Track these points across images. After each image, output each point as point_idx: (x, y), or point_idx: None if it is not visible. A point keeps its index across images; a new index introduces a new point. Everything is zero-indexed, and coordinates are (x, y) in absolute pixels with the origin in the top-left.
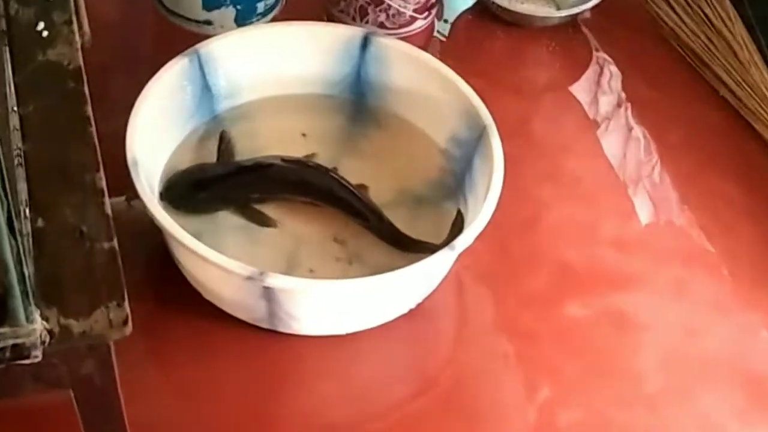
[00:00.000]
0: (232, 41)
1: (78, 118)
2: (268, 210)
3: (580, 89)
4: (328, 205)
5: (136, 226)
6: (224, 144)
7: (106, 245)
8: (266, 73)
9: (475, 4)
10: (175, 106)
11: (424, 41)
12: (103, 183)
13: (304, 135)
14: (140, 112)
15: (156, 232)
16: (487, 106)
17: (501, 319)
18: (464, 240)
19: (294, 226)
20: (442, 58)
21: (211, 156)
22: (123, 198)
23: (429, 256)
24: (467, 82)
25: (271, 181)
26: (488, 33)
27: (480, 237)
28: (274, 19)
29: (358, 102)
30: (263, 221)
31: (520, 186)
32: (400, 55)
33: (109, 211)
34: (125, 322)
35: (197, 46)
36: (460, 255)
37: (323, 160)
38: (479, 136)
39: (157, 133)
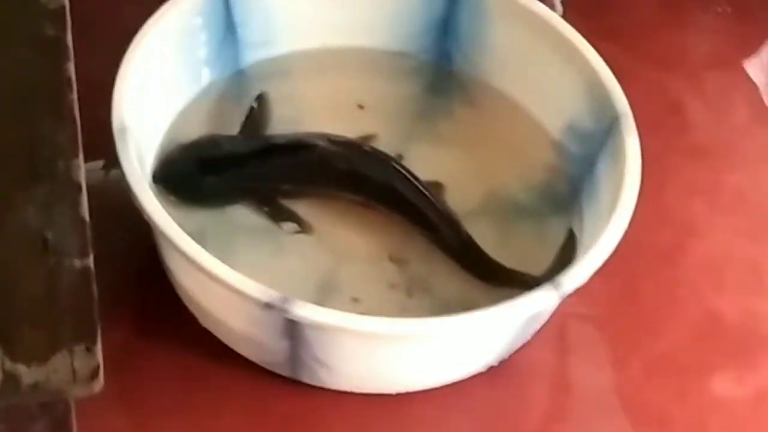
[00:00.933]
0: None
1: (54, 80)
2: (302, 209)
3: (757, 67)
4: (385, 209)
5: (113, 210)
6: (257, 111)
7: (77, 263)
8: (316, 13)
9: None
10: (184, 51)
11: None
12: (82, 174)
13: (360, 107)
14: (136, 58)
15: (142, 223)
16: (623, 86)
17: (619, 390)
18: (576, 275)
19: (335, 234)
20: (565, 14)
21: (230, 125)
22: (100, 164)
23: (523, 293)
24: (596, 48)
25: (309, 168)
26: None
27: (599, 272)
28: None
29: (441, 66)
30: (293, 225)
31: (661, 203)
32: (507, 6)
33: (86, 214)
34: (94, 375)
35: None
36: (568, 295)
37: (385, 143)
38: (608, 128)
39: (157, 89)
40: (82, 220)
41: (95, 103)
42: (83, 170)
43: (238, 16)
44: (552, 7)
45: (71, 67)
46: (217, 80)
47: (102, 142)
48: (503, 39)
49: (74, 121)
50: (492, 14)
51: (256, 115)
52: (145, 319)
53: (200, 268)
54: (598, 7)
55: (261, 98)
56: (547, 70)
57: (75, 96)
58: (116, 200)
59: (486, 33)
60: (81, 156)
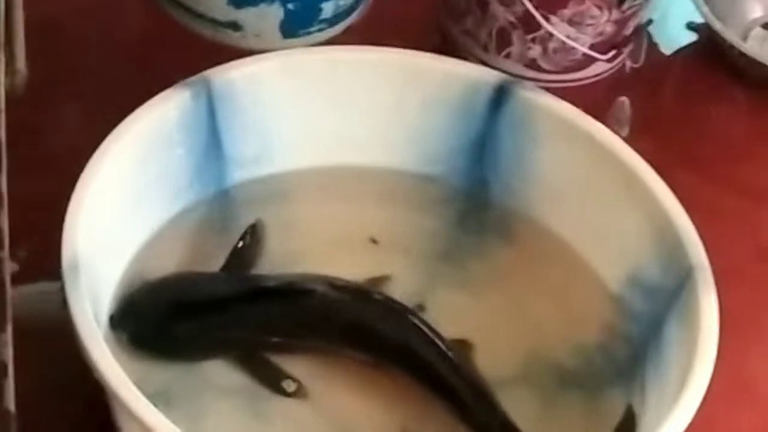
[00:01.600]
0: (268, 69)
1: None
2: (294, 368)
3: None
4: (399, 372)
5: (54, 352)
6: (248, 245)
7: None
8: (319, 128)
9: (695, 43)
10: (155, 168)
11: (604, 100)
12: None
13: (373, 241)
14: (94, 180)
15: (91, 379)
16: (701, 224)
17: None
18: None
19: (335, 402)
20: (631, 135)
21: (209, 260)
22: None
23: None
24: (669, 176)
25: (305, 318)
26: (716, 93)
27: None
28: (346, 34)
29: (474, 194)
30: (282, 386)
31: (744, 376)
32: (557, 124)
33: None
34: None
35: (209, 72)
36: None
37: (402, 290)
38: (680, 282)
39: (120, 213)
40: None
41: (55, 221)
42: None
43: (225, 123)
44: (615, 127)
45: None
46: (196, 203)
47: (46, 263)
48: (552, 165)
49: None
50: (539, 134)
51: (246, 249)
52: None
53: None
54: (671, 126)
55: (255, 228)
56: (606, 206)
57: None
58: (58, 343)
59: (531, 156)
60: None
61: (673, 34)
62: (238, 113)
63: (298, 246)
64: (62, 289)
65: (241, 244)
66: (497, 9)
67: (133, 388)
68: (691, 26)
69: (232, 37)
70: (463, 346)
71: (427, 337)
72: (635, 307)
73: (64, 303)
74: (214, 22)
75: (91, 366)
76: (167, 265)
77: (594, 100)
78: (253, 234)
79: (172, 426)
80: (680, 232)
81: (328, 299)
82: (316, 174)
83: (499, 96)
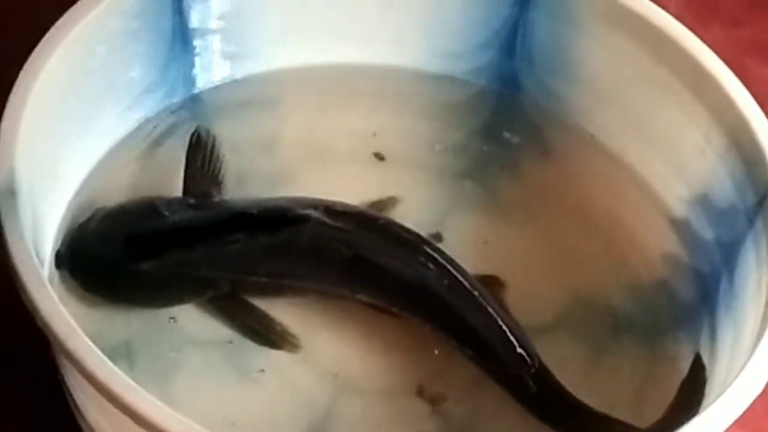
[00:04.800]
0: None
1: None
2: (283, 314)
3: None
4: (412, 317)
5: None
6: (201, 156)
7: None
8: (313, 17)
9: None
10: (109, 70)
11: None
12: None
13: (379, 157)
14: (35, 85)
15: (35, 332)
16: None
17: None
18: (706, 423)
19: (333, 353)
20: (694, 19)
21: (176, 184)
22: None
23: None
24: (743, 77)
25: (296, 252)
26: None
27: (737, 422)
28: None
29: (503, 97)
30: (269, 336)
31: None
32: (606, 6)
33: None
34: None
35: None
36: None
37: (416, 215)
38: (757, 204)
39: (68, 128)
40: None
41: None
42: None
43: (195, 12)
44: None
45: None
46: (158, 113)
47: None
48: (598, 59)
49: None
50: (582, 19)
51: (203, 163)
52: None
53: (119, 404)
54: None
55: (199, 137)
56: (665, 110)
57: None
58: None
59: (572, 49)
60: None
61: None
62: None
63: (285, 163)
64: None
65: (191, 158)
66: None
67: (86, 339)
68: None
69: None
70: (491, 284)
71: (447, 274)
72: (703, 235)
73: None
74: None
75: (33, 311)
76: (124, 189)
77: None
78: (198, 142)
79: (134, 386)
80: (759, 141)
81: (324, 228)
82: (309, 74)
83: None
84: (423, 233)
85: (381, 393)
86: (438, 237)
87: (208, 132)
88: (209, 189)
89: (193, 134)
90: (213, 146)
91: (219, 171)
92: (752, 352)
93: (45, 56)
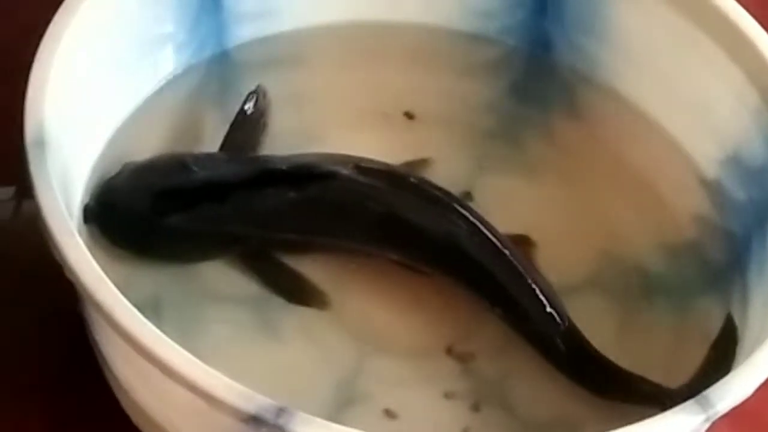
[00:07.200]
0: None
1: None
2: (312, 271)
3: None
4: (442, 275)
5: (24, 257)
6: (251, 117)
7: None
8: None
9: None
10: (139, 26)
11: None
12: None
13: (409, 116)
14: (64, 38)
15: (66, 280)
16: None
17: None
18: (734, 388)
19: (363, 312)
20: None
21: (205, 139)
22: (10, 192)
23: (653, 413)
24: None
25: (325, 209)
26: None
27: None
28: None
29: (534, 57)
30: (299, 294)
31: None
32: None
33: None
34: None
35: None
36: (719, 418)
37: (445, 174)
38: None
39: (96, 83)
40: None
41: (4, 103)
42: None
43: None
44: None
45: None
46: (188, 69)
47: (15, 162)
48: (631, 18)
49: None
50: None
51: (248, 123)
52: (61, 422)
53: (149, 356)
54: None
55: (257, 96)
56: (700, 70)
57: None
58: (30, 243)
59: (605, 8)
60: None
61: None
62: None
63: (314, 122)
64: (24, 174)
65: (240, 117)
66: None
67: (115, 290)
68: None
69: None
70: (521, 243)
71: (477, 232)
72: (735, 195)
73: (24, 193)
74: None
75: (62, 262)
76: (153, 145)
77: None
78: (255, 104)
79: (164, 338)
80: None
81: (353, 185)
82: (338, 32)
83: None
84: (453, 191)
85: (410, 351)
86: (468, 196)
87: (265, 93)
88: (247, 148)
89: (252, 92)
90: (266, 108)
91: (263, 133)
92: None
93: (74, 8)
